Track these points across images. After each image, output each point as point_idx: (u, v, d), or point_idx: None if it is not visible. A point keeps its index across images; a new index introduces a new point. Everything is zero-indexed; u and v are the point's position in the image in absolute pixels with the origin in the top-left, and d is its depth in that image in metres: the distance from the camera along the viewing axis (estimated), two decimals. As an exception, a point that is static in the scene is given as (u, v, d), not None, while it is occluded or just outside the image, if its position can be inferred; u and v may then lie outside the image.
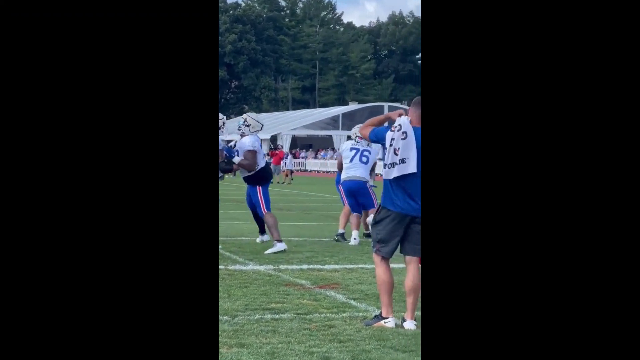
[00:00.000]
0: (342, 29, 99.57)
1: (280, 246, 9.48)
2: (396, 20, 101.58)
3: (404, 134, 5.39)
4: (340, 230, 11.11)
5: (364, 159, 10.80)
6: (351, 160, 10.86)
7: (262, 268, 8.23)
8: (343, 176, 11.00)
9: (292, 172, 28.87)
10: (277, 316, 5.75)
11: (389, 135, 5.45)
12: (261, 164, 9.91)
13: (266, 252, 9.41)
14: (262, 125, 10.13)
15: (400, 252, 5.64)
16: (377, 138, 5.64)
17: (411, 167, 5.37)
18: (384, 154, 5.53)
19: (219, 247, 9.45)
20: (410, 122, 5.45)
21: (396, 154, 5.40)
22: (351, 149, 10.94)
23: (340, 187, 11.18)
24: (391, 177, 5.42)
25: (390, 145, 5.42)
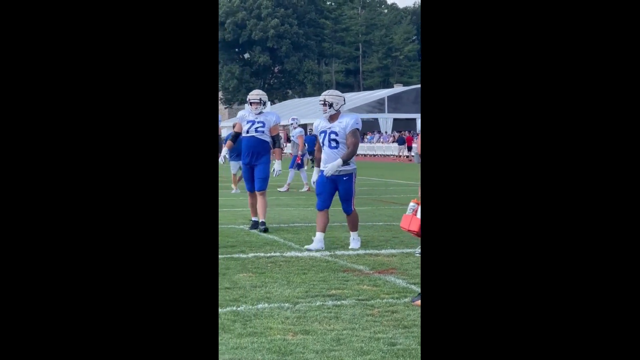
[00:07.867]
0: (385, 11, 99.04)
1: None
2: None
3: None
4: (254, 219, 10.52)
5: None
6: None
7: (318, 254, 8.24)
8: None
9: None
10: (338, 302, 5.75)
11: None
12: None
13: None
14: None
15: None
16: None
17: None
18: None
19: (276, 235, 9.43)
20: None
21: None
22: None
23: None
24: None
25: None
